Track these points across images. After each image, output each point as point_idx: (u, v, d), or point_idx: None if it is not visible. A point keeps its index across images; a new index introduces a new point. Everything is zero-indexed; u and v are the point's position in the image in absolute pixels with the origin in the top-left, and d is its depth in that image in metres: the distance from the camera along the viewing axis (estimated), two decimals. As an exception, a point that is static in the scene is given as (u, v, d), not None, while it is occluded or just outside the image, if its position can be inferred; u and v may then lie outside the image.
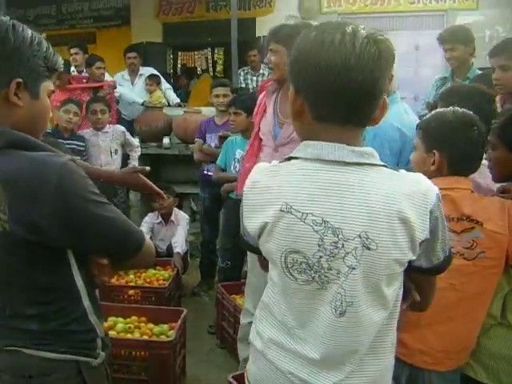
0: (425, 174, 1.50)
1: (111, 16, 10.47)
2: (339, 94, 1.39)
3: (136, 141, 6.00)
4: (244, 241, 1.66)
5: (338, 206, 1.40)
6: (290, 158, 1.51)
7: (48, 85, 1.68)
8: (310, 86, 1.43)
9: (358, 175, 1.41)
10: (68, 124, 5.22)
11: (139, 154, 5.97)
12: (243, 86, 7.33)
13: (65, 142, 4.98)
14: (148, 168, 2.42)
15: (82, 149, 5.35)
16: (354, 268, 1.41)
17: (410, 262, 1.47)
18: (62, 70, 1.78)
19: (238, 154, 4.76)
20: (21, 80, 1.56)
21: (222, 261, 5.02)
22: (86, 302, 1.70)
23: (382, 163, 1.46)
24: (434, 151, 2.21)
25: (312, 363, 1.51)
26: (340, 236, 1.40)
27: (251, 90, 6.88)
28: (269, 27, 2.95)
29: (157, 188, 2.33)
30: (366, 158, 1.43)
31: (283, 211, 1.44)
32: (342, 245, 1.40)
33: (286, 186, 1.46)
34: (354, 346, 1.48)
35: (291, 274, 1.48)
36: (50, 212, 1.49)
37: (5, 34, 1.55)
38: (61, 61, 1.72)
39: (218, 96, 5.54)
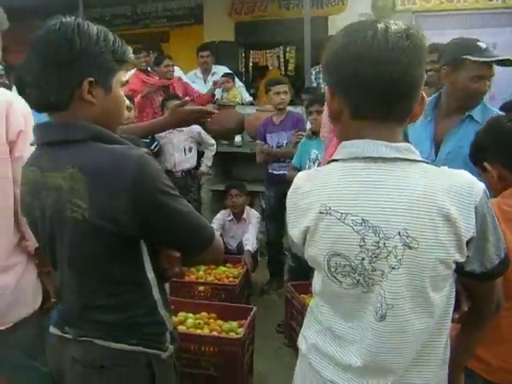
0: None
1: (184, 15, 10.60)
2: (375, 90, 1.37)
3: (211, 140, 6.06)
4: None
5: (376, 204, 1.37)
6: (330, 162, 1.50)
7: (120, 77, 1.73)
8: (345, 84, 1.42)
9: (395, 171, 1.38)
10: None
11: (214, 152, 6.03)
12: (314, 85, 7.28)
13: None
14: (187, 98, 2.45)
15: (147, 140, 5.38)
16: (394, 268, 1.37)
17: (461, 268, 1.41)
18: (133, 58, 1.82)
19: (313, 154, 4.75)
20: (92, 79, 1.62)
21: (291, 260, 5.02)
22: (157, 296, 1.75)
23: (421, 159, 1.42)
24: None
25: (354, 370, 1.48)
26: (381, 235, 1.36)
27: (322, 90, 6.83)
28: (342, 26, 2.92)
29: (204, 107, 2.34)
30: (403, 154, 1.40)
31: (322, 213, 1.42)
32: (384, 244, 1.36)
33: (324, 188, 1.44)
34: (396, 354, 1.43)
35: (336, 278, 1.45)
36: (127, 202, 1.54)
37: (71, 36, 1.60)
38: (129, 51, 1.76)
39: (279, 93, 5.52)
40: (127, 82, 1.81)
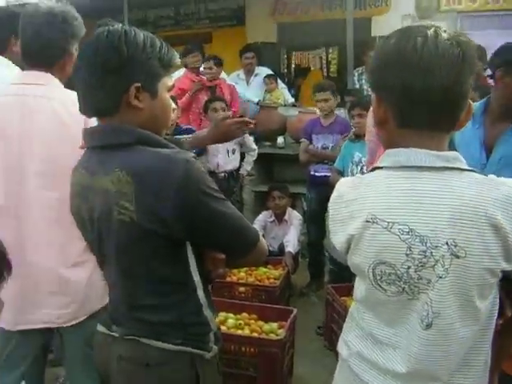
0: None
1: (227, 16, 10.66)
2: (422, 98, 1.36)
3: (253, 145, 6.07)
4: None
5: (423, 213, 1.35)
6: (373, 169, 1.49)
7: (166, 81, 1.77)
8: (392, 91, 1.41)
9: (443, 180, 1.37)
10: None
11: (255, 158, 6.04)
12: (357, 86, 7.24)
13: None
14: (229, 113, 2.47)
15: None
16: (441, 277, 1.35)
17: (507, 275, 1.39)
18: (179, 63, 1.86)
19: (357, 156, 4.72)
20: (139, 84, 1.66)
21: (331, 262, 5.00)
22: (202, 296, 1.77)
23: (469, 168, 1.40)
24: None
25: (397, 377, 1.46)
26: (428, 244, 1.35)
27: (365, 92, 6.78)
28: (385, 27, 2.91)
29: (244, 118, 2.36)
30: (451, 163, 1.38)
31: (368, 222, 1.41)
32: (431, 253, 1.35)
33: (370, 196, 1.44)
34: (442, 361, 1.41)
35: (380, 286, 1.44)
36: (173, 205, 1.58)
37: (118, 44, 1.65)
38: (176, 56, 1.80)
39: (319, 101, 5.57)
40: (173, 86, 1.84)
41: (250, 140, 5.98)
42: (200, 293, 1.76)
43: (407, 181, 1.39)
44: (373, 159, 3.27)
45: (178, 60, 1.81)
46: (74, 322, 2.37)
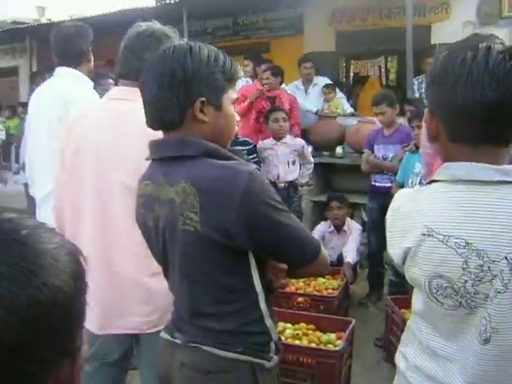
0: None
1: (285, 26, 10.65)
2: (473, 112, 1.35)
3: (311, 158, 6.07)
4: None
5: (481, 228, 1.34)
6: (430, 182, 1.49)
7: (230, 94, 1.81)
8: (444, 105, 1.41)
9: (501, 194, 1.35)
10: None
11: (310, 171, 6.05)
12: (417, 95, 7.17)
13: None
14: None
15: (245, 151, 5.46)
16: (499, 292, 1.33)
17: None
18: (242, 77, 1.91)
19: (417, 167, 4.68)
20: (204, 98, 1.72)
21: (392, 273, 4.96)
22: (263, 306, 1.79)
23: None
24: None
25: None
26: (485, 258, 1.33)
27: (425, 101, 6.70)
28: (445, 34, 2.89)
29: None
30: (509, 176, 1.36)
31: (425, 235, 1.41)
32: (489, 268, 1.33)
33: (427, 209, 1.43)
34: (501, 376, 1.39)
35: (437, 300, 1.43)
36: (237, 216, 1.63)
37: (183, 60, 1.71)
38: (239, 69, 1.85)
39: (376, 114, 5.56)
40: (237, 99, 1.89)
41: (308, 152, 5.99)
42: (262, 302, 1.79)
43: (464, 194, 1.39)
44: (429, 172, 3.24)
45: (241, 73, 1.88)
46: (154, 330, 2.43)
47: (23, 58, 14.43)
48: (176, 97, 1.72)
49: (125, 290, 2.44)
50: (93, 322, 2.46)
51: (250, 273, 1.76)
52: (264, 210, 1.67)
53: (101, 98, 3.28)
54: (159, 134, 2.17)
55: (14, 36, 12.65)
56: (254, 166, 1.72)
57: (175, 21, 8.05)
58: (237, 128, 1.95)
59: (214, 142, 1.75)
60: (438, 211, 1.41)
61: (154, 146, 1.85)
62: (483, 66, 1.33)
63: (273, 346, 1.84)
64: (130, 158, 2.35)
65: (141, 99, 2.33)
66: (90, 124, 2.50)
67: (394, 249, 1.52)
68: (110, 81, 5.60)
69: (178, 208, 1.71)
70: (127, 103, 2.43)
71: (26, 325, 0.79)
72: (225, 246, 1.68)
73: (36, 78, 12.01)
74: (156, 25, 2.52)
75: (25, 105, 12.29)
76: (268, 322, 1.82)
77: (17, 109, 12.96)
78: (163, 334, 1.96)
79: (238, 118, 1.92)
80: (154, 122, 1.83)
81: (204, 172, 1.70)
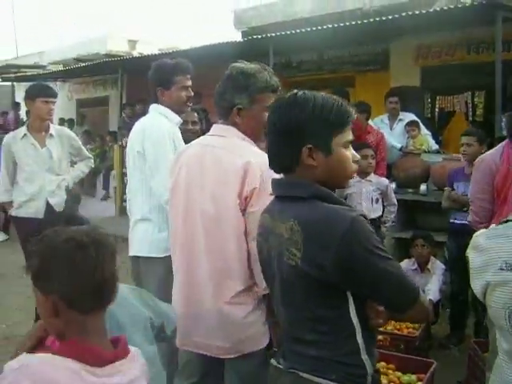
0: None
1: (370, 61, 10.68)
2: None
3: (395, 199, 5.99)
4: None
5: None
6: (506, 221, 1.54)
7: (341, 138, 1.92)
8: None
9: None
10: None
11: (394, 214, 5.96)
12: (504, 133, 7.00)
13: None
14: None
15: None
16: None
17: None
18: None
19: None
20: (310, 145, 1.86)
21: (475, 315, 4.84)
22: (360, 340, 1.86)
23: None
24: None
25: None
26: None
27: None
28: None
29: None
30: None
31: (503, 269, 1.44)
32: None
33: (504, 245, 1.47)
34: None
35: None
36: (333, 255, 1.75)
37: (293, 112, 1.89)
38: (350, 111, 1.94)
39: (462, 145, 5.46)
40: (350, 142, 1.99)
41: (392, 193, 5.94)
42: (359, 336, 1.85)
43: None
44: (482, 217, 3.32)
45: (353, 116, 1.97)
46: (227, 357, 2.61)
47: (114, 89, 15.05)
48: (287, 144, 1.91)
49: (201, 312, 2.61)
50: (178, 335, 2.63)
51: (347, 306, 1.84)
52: (362, 255, 1.76)
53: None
54: (234, 172, 2.44)
55: (107, 68, 13.19)
56: (359, 212, 1.83)
57: (261, 55, 8.24)
58: (354, 166, 2.03)
59: (328, 183, 1.92)
60: None
61: (274, 184, 2.05)
62: None
63: (369, 378, 1.88)
64: (209, 189, 2.58)
65: (232, 136, 2.56)
66: (187, 158, 2.74)
67: (476, 284, 1.57)
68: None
69: (285, 243, 1.87)
70: (218, 139, 2.67)
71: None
72: (321, 282, 1.80)
73: (126, 109, 12.50)
74: (237, 65, 2.70)
75: (113, 134, 12.82)
76: (364, 356, 1.86)
77: (105, 138, 13.50)
78: (272, 361, 2.07)
79: (357, 156, 2.01)
80: (272, 164, 2.03)
81: (310, 213, 1.85)
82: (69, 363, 1.51)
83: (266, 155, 2.07)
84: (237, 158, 2.55)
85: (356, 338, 1.84)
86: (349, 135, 1.94)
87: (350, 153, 1.95)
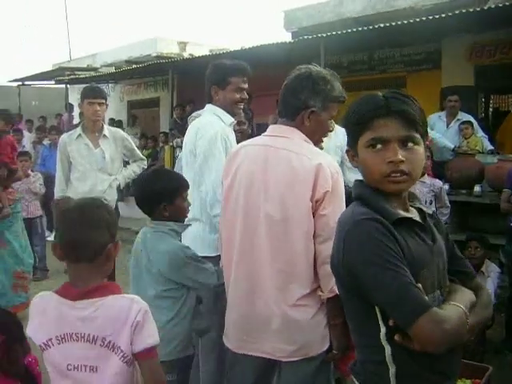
0: None
1: (422, 60, 10.53)
2: None
3: (448, 202, 5.91)
4: None
5: None
6: None
7: (363, 139, 1.89)
8: None
9: None
10: None
11: (447, 216, 5.89)
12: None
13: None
14: None
15: None
16: None
17: None
18: None
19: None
20: (348, 148, 1.96)
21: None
22: (388, 350, 1.78)
23: None
24: None
25: None
26: None
27: None
28: None
29: None
30: None
31: None
32: None
33: None
34: None
35: None
36: (342, 257, 1.80)
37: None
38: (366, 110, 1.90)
39: None
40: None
41: (445, 195, 5.85)
42: (387, 348, 1.78)
43: None
44: None
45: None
46: (288, 360, 2.57)
47: (164, 91, 15.22)
48: None
49: (263, 316, 2.58)
50: (231, 339, 2.70)
51: (378, 327, 1.79)
52: (360, 261, 1.74)
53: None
54: (305, 174, 2.42)
55: (157, 69, 13.34)
56: (372, 216, 1.77)
57: (311, 55, 8.21)
58: None
59: (372, 185, 1.89)
60: None
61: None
62: None
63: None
64: (275, 191, 2.53)
65: (297, 138, 2.53)
66: (244, 159, 2.70)
67: None
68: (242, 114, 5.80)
69: None
70: (281, 140, 2.62)
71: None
72: (342, 286, 1.91)
73: (177, 110, 12.63)
74: (314, 67, 2.68)
75: (165, 134, 12.96)
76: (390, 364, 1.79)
77: (157, 138, 13.67)
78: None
79: (391, 158, 1.95)
80: None
81: (342, 214, 1.94)
82: (53, 296, 2.17)
83: (330, 157, 2.06)
84: (307, 160, 2.51)
85: (384, 351, 1.78)
86: (371, 134, 1.83)
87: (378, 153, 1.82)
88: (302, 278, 2.52)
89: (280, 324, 2.54)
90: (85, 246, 2.10)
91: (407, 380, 1.81)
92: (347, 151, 1.94)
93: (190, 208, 3.18)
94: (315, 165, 2.46)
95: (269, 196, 2.55)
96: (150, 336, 2.11)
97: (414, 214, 1.91)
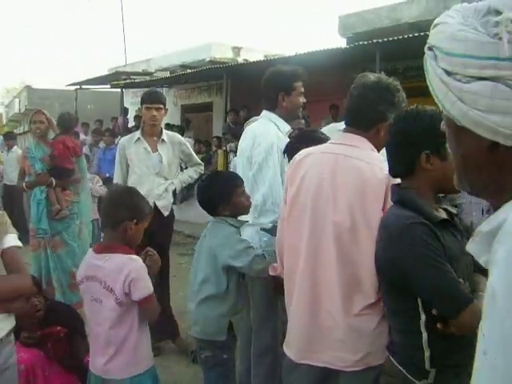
0: None
1: (480, 65, 10.36)
2: None
3: None
4: None
5: None
6: None
7: None
8: None
9: None
10: None
11: None
12: None
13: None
14: None
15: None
16: None
17: None
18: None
19: None
20: (428, 151, 2.15)
21: None
22: (425, 336, 2.12)
23: None
24: None
25: None
26: None
27: None
28: None
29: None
30: None
31: None
32: None
33: None
34: None
35: None
36: (391, 257, 2.15)
37: (413, 123, 2.19)
38: None
39: None
40: None
41: None
42: (424, 335, 2.12)
43: None
44: None
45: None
46: (350, 369, 2.54)
47: (218, 96, 15.36)
48: (406, 151, 2.20)
49: (328, 325, 2.56)
50: (292, 349, 2.68)
51: (416, 300, 2.13)
52: (412, 261, 2.06)
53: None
54: (376, 184, 2.48)
55: (211, 74, 13.47)
56: (419, 220, 2.09)
57: (365, 61, 8.16)
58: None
59: (442, 186, 2.18)
60: None
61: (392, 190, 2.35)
62: None
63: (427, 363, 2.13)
64: (345, 200, 2.50)
65: (367, 148, 2.58)
66: (311, 166, 2.66)
67: None
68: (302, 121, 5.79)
69: None
70: (353, 149, 2.58)
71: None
72: (387, 283, 2.27)
73: (230, 115, 12.73)
74: (384, 77, 2.65)
75: (218, 139, 13.08)
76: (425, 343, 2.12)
77: (211, 143, 13.78)
78: None
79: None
80: (392, 170, 2.33)
81: (391, 217, 2.24)
82: (90, 249, 3.15)
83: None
84: (378, 170, 2.48)
85: (421, 328, 2.13)
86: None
87: None
88: (368, 287, 2.49)
89: (343, 333, 2.52)
90: (107, 216, 3.05)
91: (439, 362, 2.13)
92: (425, 154, 2.15)
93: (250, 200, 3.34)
94: (386, 175, 2.44)
95: (338, 204, 2.52)
96: (145, 288, 2.84)
97: (444, 215, 2.24)
